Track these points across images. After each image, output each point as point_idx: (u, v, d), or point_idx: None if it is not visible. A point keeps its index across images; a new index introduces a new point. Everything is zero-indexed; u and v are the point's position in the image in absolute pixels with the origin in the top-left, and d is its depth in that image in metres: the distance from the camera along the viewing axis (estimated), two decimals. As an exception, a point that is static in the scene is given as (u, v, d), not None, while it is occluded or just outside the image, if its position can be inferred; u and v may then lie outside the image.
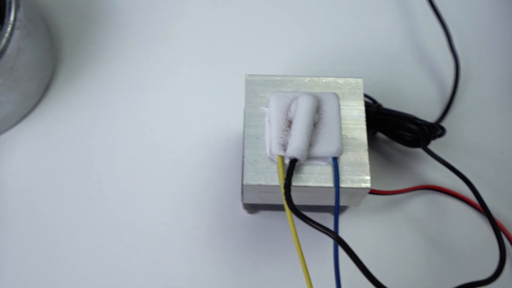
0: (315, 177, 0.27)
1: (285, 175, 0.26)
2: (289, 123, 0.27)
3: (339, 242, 0.23)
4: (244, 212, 0.33)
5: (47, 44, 0.35)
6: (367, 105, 0.33)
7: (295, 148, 0.25)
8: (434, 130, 0.32)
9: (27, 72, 0.32)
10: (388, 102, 0.35)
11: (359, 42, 0.39)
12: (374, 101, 0.34)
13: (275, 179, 0.26)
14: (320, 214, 0.32)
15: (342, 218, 0.33)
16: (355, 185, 0.27)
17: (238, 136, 0.35)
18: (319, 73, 0.37)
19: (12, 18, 0.29)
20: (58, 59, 0.36)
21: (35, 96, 0.34)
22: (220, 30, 0.39)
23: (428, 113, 0.36)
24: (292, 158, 0.26)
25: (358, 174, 0.27)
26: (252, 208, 0.32)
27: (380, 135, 0.35)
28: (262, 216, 0.33)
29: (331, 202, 0.28)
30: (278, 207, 0.31)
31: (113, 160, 0.34)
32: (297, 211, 0.25)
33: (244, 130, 0.28)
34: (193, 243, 0.32)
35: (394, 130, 0.33)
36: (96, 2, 0.39)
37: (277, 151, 0.26)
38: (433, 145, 0.33)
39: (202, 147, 0.34)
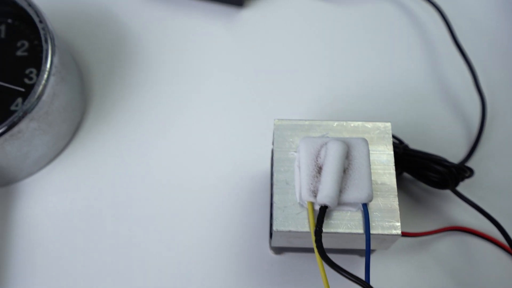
0: (345, 223, 0.27)
1: (315, 222, 0.26)
2: (319, 169, 0.27)
3: None
4: (270, 253, 0.33)
5: (79, 85, 0.36)
6: (393, 145, 0.33)
7: (325, 195, 0.26)
8: (462, 172, 0.32)
9: (60, 115, 0.33)
10: (414, 142, 0.35)
11: (384, 82, 0.39)
12: (401, 142, 0.34)
13: (306, 225, 0.27)
14: (348, 256, 0.32)
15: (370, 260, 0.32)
16: (386, 232, 0.27)
17: (263, 175, 0.35)
18: (345, 114, 0.37)
19: (48, 65, 0.30)
20: (89, 99, 0.37)
21: (67, 137, 0.35)
22: (246, 71, 0.39)
23: (455, 153, 0.36)
24: (323, 205, 0.26)
25: (389, 221, 0.27)
26: (279, 250, 0.32)
27: (406, 174, 0.35)
28: (289, 258, 0.33)
29: (359, 246, 0.28)
30: (306, 249, 0.31)
31: (141, 201, 0.34)
32: (328, 259, 0.25)
33: (273, 175, 0.28)
34: (218, 284, 0.32)
35: (421, 171, 0.33)
36: (124, 42, 0.40)
37: (307, 197, 0.26)
38: (460, 185, 0.33)
39: (228, 187, 0.35)
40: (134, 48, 0.40)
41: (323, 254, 0.25)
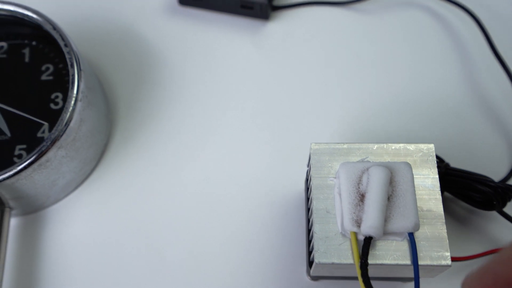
0: (391, 254, 0.25)
1: (360, 254, 0.25)
2: (362, 197, 0.25)
3: None
4: (307, 279, 0.31)
5: (104, 108, 0.35)
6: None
7: (370, 226, 0.24)
8: (509, 192, 0.30)
9: (87, 140, 0.32)
10: (455, 160, 0.33)
11: (419, 97, 0.37)
12: (442, 160, 0.33)
13: (349, 256, 0.25)
14: (390, 283, 0.31)
15: (412, 286, 0.31)
16: (435, 263, 0.25)
17: (298, 196, 0.34)
18: (381, 133, 0.35)
19: (75, 91, 0.29)
20: (114, 121, 0.37)
21: (93, 161, 0.34)
22: (274, 87, 0.38)
23: (498, 169, 0.34)
24: (367, 236, 0.24)
25: (437, 250, 0.25)
26: (317, 277, 0.31)
27: (447, 194, 0.33)
28: (326, 285, 0.31)
29: (404, 274, 0.27)
30: (345, 277, 0.30)
31: (171, 224, 0.33)
32: None
33: (311, 202, 0.27)
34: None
35: (463, 191, 0.31)
36: (148, 60, 0.39)
37: (350, 227, 0.25)
38: (508, 205, 0.31)
39: (262, 209, 0.33)
40: (158, 66, 0.39)
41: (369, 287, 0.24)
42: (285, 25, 0.40)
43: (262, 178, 0.35)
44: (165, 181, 0.35)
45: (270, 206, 0.33)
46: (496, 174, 0.34)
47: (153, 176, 0.35)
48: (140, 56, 0.40)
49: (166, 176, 0.35)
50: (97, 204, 0.34)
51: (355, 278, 0.29)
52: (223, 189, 0.34)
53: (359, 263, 0.24)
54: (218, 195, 0.34)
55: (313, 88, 0.38)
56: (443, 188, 0.32)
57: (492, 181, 0.30)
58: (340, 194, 0.26)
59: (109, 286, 0.32)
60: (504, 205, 0.30)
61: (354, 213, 0.25)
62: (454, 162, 0.34)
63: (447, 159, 0.34)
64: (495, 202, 0.30)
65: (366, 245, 0.25)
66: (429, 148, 0.28)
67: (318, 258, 0.25)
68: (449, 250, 0.25)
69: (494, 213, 0.32)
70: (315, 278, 0.31)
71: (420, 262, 0.25)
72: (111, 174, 0.35)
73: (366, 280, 0.24)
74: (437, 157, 0.33)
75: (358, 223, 0.25)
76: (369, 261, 0.25)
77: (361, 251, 0.25)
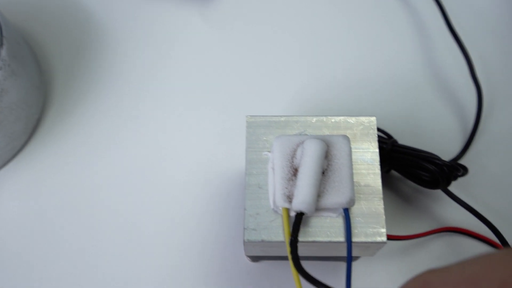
0: (324, 231, 0.24)
1: (291, 230, 0.23)
2: (295, 171, 0.24)
3: None
4: (247, 261, 0.30)
5: (36, 80, 0.33)
6: (381, 141, 0.31)
7: (301, 201, 0.23)
8: (455, 170, 0.29)
9: (12, 113, 0.29)
10: (404, 137, 0.32)
11: (372, 73, 0.36)
12: (389, 136, 0.32)
13: (280, 234, 0.24)
14: (332, 264, 0.30)
15: (354, 266, 0.30)
16: (369, 239, 0.24)
17: (241, 178, 0.32)
18: (329, 108, 0.34)
19: (-7, 58, 0.27)
20: (48, 95, 0.34)
21: (23, 137, 0.32)
22: (221, 63, 0.36)
23: (449, 147, 0.33)
24: (299, 212, 0.23)
25: (373, 227, 0.24)
26: (256, 257, 0.30)
27: (394, 172, 0.32)
28: (266, 265, 0.30)
29: (342, 253, 0.26)
30: (285, 257, 0.29)
31: (107, 204, 0.31)
32: (304, 272, 0.22)
33: (245, 179, 0.25)
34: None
35: (410, 169, 0.30)
36: (89, 34, 0.37)
37: (282, 203, 0.23)
38: (454, 183, 0.30)
39: (203, 190, 0.32)
40: (99, 38, 0.37)
41: (299, 266, 0.22)
42: (236, -3, 0.39)
43: (202, 155, 0.33)
44: (101, 158, 0.33)
45: (211, 186, 0.32)
46: (448, 153, 0.33)
47: (89, 153, 0.33)
48: (80, 28, 0.37)
49: (103, 154, 0.33)
50: (28, 182, 0.32)
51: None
52: (162, 167, 0.32)
53: (289, 240, 0.23)
54: (156, 174, 0.32)
55: (261, 64, 0.36)
56: (390, 165, 0.31)
57: (439, 159, 0.29)
58: (273, 169, 0.25)
59: (40, 266, 0.30)
60: (448, 183, 0.29)
61: (286, 188, 0.24)
62: (406, 140, 0.32)
63: (399, 137, 0.32)
64: (440, 181, 0.29)
65: (297, 221, 0.23)
66: (371, 121, 0.26)
67: (247, 235, 0.24)
68: (385, 226, 0.24)
69: (440, 193, 0.31)
70: (255, 259, 0.30)
71: (354, 239, 0.24)
72: (44, 151, 0.33)
73: (295, 257, 0.22)
74: (385, 133, 0.32)
75: (290, 198, 0.23)
76: (301, 239, 0.23)
77: (292, 228, 0.23)
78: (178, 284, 0.29)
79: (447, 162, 0.29)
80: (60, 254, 0.30)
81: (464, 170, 0.29)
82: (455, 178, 0.29)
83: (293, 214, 0.24)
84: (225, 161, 0.32)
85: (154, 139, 0.33)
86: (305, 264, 0.29)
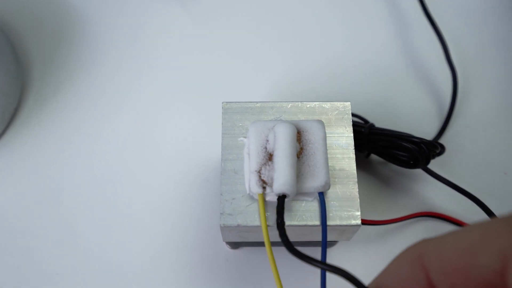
0: (299, 215, 0.24)
1: (274, 215, 0.23)
2: (270, 156, 0.24)
3: (351, 279, 0.19)
4: (227, 248, 0.30)
5: (12, 69, 0.32)
6: (358, 126, 0.31)
7: (283, 183, 0.23)
8: (433, 148, 0.29)
9: (-13, 102, 0.29)
10: (381, 121, 0.33)
11: (348, 58, 0.36)
12: (366, 121, 0.32)
13: (256, 218, 0.24)
14: (307, 249, 0.30)
15: (332, 251, 0.30)
16: (344, 223, 0.24)
17: (218, 162, 0.32)
18: (306, 95, 0.34)
19: (-35, 46, 0.27)
20: (26, 84, 0.34)
21: None
22: (200, 54, 0.36)
23: (426, 130, 0.33)
24: (281, 195, 0.23)
25: (348, 210, 0.24)
26: (234, 244, 0.30)
27: (374, 157, 0.32)
28: (246, 252, 0.30)
29: (318, 238, 0.26)
30: (262, 243, 0.29)
31: (86, 193, 0.31)
32: (297, 252, 0.22)
33: (221, 164, 0.26)
34: (173, 280, 0.29)
35: (389, 151, 0.31)
36: (69, 24, 0.37)
37: (257, 188, 0.24)
38: (433, 164, 0.31)
39: (181, 178, 0.32)
40: (79, 30, 0.36)
41: (291, 247, 0.22)
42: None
43: (182, 143, 0.33)
44: (80, 148, 0.33)
45: (189, 173, 0.32)
46: (426, 135, 0.33)
47: (67, 143, 0.33)
48: (59, 18, 0.37)
49: (81, 143, 0.33)
50: (4, 173, 0.32)
51: (275, 244, 0.28)
52: (141, 156, 0.32)
53: (277, 223, 0.23)
54: (135, 163, 0.32)
55: (241, 52, 0.36)
56: (369, 149, 0.31)
57: (416, 137, 0.29)
58: (249, 154, 0.25)
59: (18, 259, 0.30)
60: (428, 161, 0.29)
61: (262, 173, 0.24)
62: (383, 125, 0.33)
63: (376, 122, 0.32)
64: (419, 159, 0.29)
65: (280, 204, 0.23)
66: (345, 106, 0.27)
67: (223, 220, 0.24)
68: (359, 209, 0.24)
69: (421, 174, 0.32)
70: (234, 246, 0.30)
71: (329, 222, 0.24)
72: (21, 141, 0.32)
73: (285, 240, 0.22)
74: (362, 118, 0.32)
75: (265, 183, 0.24)
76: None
77: (276, 212, 0.23)
78: (158, 271, 0.30)
79: (424, 139, 0.29)
80: (38, 244, 0.30)
81: (441, 148, 0.29)
82: (433, 156, 0.30)
83: (270, 198, 0.24)
84: (206, 148, 0.32)
85: (132, 129, 0.33)
86: (281, 250, 0.30)
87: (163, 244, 0.30)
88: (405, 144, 0.29)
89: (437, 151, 0.30)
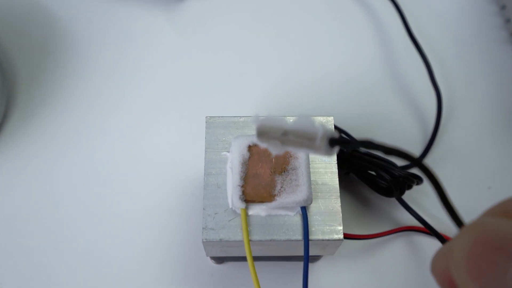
0: (282, 230, 0.24)
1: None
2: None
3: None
4: (211, 263, 0.30)
5: (-2, 84, 0.32)
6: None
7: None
8: (409, 181, 0.29)
9: (-29, 116, 0.29)
10: (365, 136, 0.33)
11: (335, 75, 0.36)
12: (350, 136, 0.32)
13: (238, 233, 0.24)
14: (291, 264, 0.30)
15: (316, 266, 0.30)
16: (326, 237, 0.24)
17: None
18: (292, 109, 0.34)
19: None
20: (11, 97, 0.34)
21: (-16, 141, 0.31)
22: (185, 69, 0.36)
23: (410, 149, 0.34)
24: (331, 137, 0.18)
25: (330, 224, 0.24)
26: (219, 259, 0.30)
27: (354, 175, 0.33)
28: (230, 267, 0.30)
29: (302, 252, 0.26)
30: (246, 258, 0.29)
31: (70, 207, 0.31)
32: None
33: (204, 179, 0.26)
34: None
35: (368, 175, 0.31)
36: (54, 37, 0.37)
37: (240, 203, 0.24)
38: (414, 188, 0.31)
39: (164, 192, 0.32)
40: (64, 43, 0.37)
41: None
42: (202, 2, 0.39)
43: (167, 156, 0.33)
44: (65, 163, 0.32)
45: (174, 187, 0.32)
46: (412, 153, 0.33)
47: (52, 156, 0.33)
48: (44, 31, 0.37)
49: (67, 158, 0.33)
50: (-12, 187, 0.31)
51: (259, 259, 0.28)
52: (124, 169, 0.32)
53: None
54: (118, 176, 0.32)
55: (227, 64, 0.36)
56: (349, 169, 0.31)
57: (396, 169, 0.29)
58: (232, 169, 0.25)
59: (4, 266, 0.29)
60: (402, 193, 0.30)
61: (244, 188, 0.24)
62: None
63: (360, 138, 0.33)
64: (394, 190, 0.29)
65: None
66: (328, 120, 0.27)
67: (205, 235, 0.24)
68: (342, 224, 0.24)
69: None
70: (219, 261, 0.30)
71: (312, 237, 0.24)
72: (7, 154, 0.32)
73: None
74: (347, 134, 0.32)
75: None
76: (259, 237, 0.24)
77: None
78: (143, 285, 0.29)
79: (403, 173, 0.29)
80: (20, 256, 0.30)
81: (418, 181, 0.29)
82: (409, 187, 0.30)
83: (251, 212, 0.24)
84: (191, 162, 0.32)
85: (118, 142, 0.33)
86: (264, 265, 0.30)
87: (148, 258, 0.30)
88: (383, 174, 0.29)
89: (413, 184, 0.30)
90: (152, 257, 0.30)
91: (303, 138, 0.18)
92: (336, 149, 0.18)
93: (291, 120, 0.19)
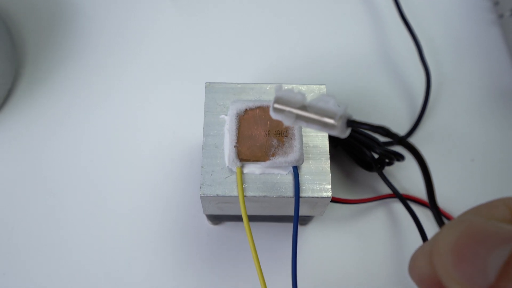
0: (274, 187, 0.26)
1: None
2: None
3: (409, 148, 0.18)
4: (208, 224, 0.32)
5: (7, 49, 0.34)
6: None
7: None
8: (390, 159, 0.31)
9: (-18, 81, 0.31)
10: (355, 113, 0.35)
11: (326, 51, 0.38)
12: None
13: (234, 189, 0.26)
14: (283, 225, 0.32)
15: (308, 228, 0.32)
16: (316, 195, 0.26)
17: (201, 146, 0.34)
18: (285, 79, 0.36)
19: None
20: (20, 64, 0.35)
21: (-6, 105, 0.33)
22: (186, 39, 0.38)
23: (399, 124, 0.35)
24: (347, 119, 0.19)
25: (319, 183, 0.26)
26: (215, 219, 0.31)
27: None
28: (227, 227, 0.32)
29: (293, 212, 0.28)
30: (242, 218, 0.31)
31: (75, 171, 0.33)
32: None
33: (202, 139, 0.27)
34: (156, 256, 0.31)
35: (352, 150, 0.32)
36: (62, 6, 0.38)
37: (235, 162, 0.25)
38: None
39: (165, 157, 0.34)
40: (72, 16, 0.38)
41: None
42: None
43: (168, 124, 0.35)
44: (70, 129, 0.34)
45: (173, 156, 0.34)
46: (400, 129, 0.35)
47: (58, 124, 0.34)
48: (54, 3, 0.38)
49: (72, 124, 0.34)
50: (-2, 150, 0.33)
51: (252, 219, 0.30)
52: (129, 135, 0.34)
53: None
54: (124, 142, 0.34)
55: (228, 38, 0.38)
56: (337, 142, 0.33)
57: (378, 145, 0.31)
58: (229, 130, 0.27)
59: (11, 234, 0.31)
60: (382, 168, 0.32)
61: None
62: (357, 115, 0.35)
63: (350, 110, 0.34)
64: (374, 167, 0.31)
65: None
66: (321, 89, 0.29)
67: (203, 190, 0.26)
68: (330, 183, 0.26)
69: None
70: (215, 222, 0.32)
71: (302, 194, 0.26)
72: (15, 120, 0.34)
73: None
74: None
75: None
76: (252, 193, 0.25)
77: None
78: (140, 246, 0.31)
79: (383, 150, 0.31)
80: (25, 221, 0.31)
81: (400, 157, 0.31)
82: (389, 164, 0.31)
83: (246, 171, 0.26)
84: (190, 128, 0.34)
85: (122, 110, 0.35)
86: (259, 225, 0.31)
87: (146, 219, 0.32)
88: (366, 151, 0.31)
89: (393, 161, 0.32)
90: (151, 218, 0.32)
91: (321, 115, 0.19)
92: (349, 130, 0.19)
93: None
